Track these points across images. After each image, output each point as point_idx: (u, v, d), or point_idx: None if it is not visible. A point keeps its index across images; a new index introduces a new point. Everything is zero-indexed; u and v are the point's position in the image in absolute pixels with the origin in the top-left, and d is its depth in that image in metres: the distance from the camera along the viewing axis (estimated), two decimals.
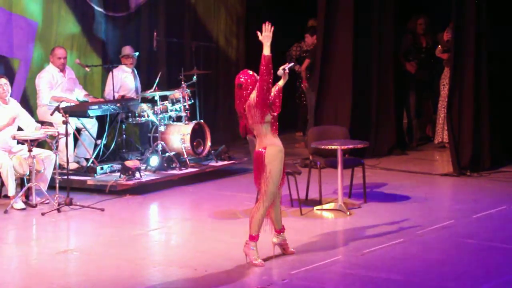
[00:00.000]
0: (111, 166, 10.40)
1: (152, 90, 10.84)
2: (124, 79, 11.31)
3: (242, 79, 7.07)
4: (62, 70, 10.63)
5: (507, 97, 11.16)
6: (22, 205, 9.26)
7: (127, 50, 11.37)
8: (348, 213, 8.84)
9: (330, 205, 9.07)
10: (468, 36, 10.75)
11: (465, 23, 10.74)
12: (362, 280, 6.78)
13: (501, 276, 6.79)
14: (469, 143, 10.73)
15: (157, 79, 10.90)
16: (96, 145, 10.57)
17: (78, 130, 10.60)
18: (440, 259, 7.28)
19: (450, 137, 10.87)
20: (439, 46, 12.38)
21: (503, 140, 11.09)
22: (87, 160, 10.47)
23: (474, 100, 10.79)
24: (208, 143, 11.04)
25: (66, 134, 9.33)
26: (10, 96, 9.68)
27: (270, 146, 7.09)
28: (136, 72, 11.50)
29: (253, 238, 7.14)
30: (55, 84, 10.56)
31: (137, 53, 11.41)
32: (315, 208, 9.08)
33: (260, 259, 7.09)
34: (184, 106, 11.02)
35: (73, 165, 10.34)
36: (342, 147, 8.90)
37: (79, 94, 10.88)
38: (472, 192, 9.88)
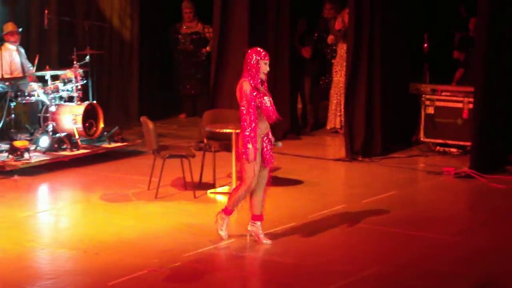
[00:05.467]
0: None
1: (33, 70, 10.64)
2: (12, 57, 10.98)
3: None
4: None
5: (398, 85, 11.38)
6: None
7: (10, 26, 11.01)
8: None
9: (224, 189, 9.06)
10: (364, 26, 10.89)
11: (363, 12, 10.86)
12: (254, 264, 6.81)
13: (390, 260, 6.92)
14: (361, 129, 10.90)
15: (35, 63, 10.67)
16: None
17: None
18: (331, 243, 7.37)
19: (346, 123, 11.02)
20: (331, 35, 12.48)
21: (394, 126, 11.30)
22: None
23: (367, 88, 10.96)
24: (101, 124, 10.84)
25: None
26: None
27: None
28: (21, 49, 11.16)
29: (227, 212, 7.24)
30: None
31: (20, 29, 11.07)
32: (209, 191, 9.05)
33: (226, 233, 7.20)
34: (76, 86, 10.79)
35: None
36: (237, 131, 8.87)
37: None
38: (363, 177, 10.04)
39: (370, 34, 10.91)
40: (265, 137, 7.21)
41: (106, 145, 10.86)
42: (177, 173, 9.11)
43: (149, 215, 8.20)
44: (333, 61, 12.56)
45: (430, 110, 11.30)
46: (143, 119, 9.05)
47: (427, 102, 11.32)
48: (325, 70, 12.86)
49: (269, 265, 6.79)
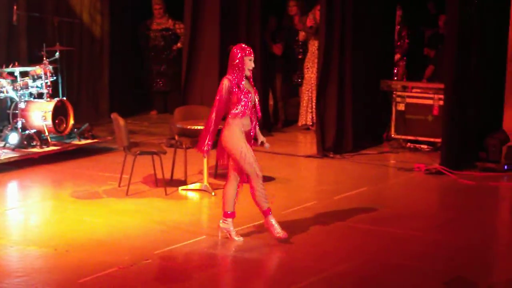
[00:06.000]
0: None
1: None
2: None
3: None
4: None
5: (370, 81, 11.42)
6: None
7: None
8: (213, 193, 8.82)
9: (196, 185, 9.03)
10: (335, 23, 10.91)
11: (334, 9, 10.86)
12: (225, 260, 6.79)
13: (362, 256, 6.93)
14: (332, 125, 10.92)
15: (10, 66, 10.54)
16: None
17: None
18: (303, 239, 7.36)
19: (317, 119, 11.02)
20: (302, 31, 12.48)
21: (365, 123, 11.34)
22: None
23: (338, 85, 10.97)
24: (71, 121, 10.76)
25: None
26: None
27: (225, 127, 7.14)
28: None
29: (267, 212, 7.16)
30: None
31: None
32: (180, 188, 9.01)
33: (282, 231, 7.15)
34: (46, 82, 10.70)
35: None
36: None
37: None
38: (334, 173, 10.05)
39: (342, 30, 10.94)
40: (249, 133, 7.18)
41: (76, 142, 10.79)
42: (148, 170, 9.07)
43: (120, 212, 8.15)
44: (300, 56, 12.57)
45: (401, 107, 11.37)
46: (113, 115, 8.99)
47: (398, 99, 11.38)
48: (295, 67, 12.86)
49: (240, 262, 6.77)
